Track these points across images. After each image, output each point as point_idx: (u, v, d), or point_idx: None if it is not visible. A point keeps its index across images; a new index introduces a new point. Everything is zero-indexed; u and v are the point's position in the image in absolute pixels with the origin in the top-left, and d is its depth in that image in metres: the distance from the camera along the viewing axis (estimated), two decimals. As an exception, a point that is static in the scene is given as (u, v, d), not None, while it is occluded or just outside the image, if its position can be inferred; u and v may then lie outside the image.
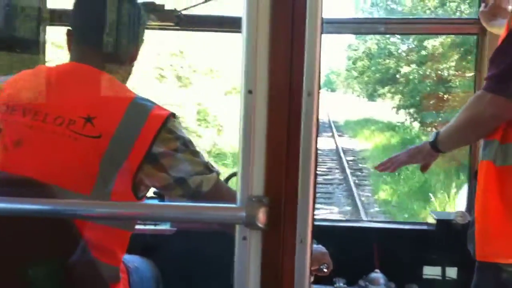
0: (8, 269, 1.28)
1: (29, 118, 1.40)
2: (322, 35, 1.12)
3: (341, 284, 2.38)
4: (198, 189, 1.41)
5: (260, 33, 1.08)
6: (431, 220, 2.46)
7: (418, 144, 2.09)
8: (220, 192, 1.45)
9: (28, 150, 1.38)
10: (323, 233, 2.24)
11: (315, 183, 0.98)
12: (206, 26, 2.11)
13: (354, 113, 29.22)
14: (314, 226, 0.94)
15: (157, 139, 1.39)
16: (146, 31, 2.08)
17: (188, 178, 1.41)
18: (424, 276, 2.43)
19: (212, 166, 1.47)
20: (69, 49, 1.58)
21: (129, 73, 1.65)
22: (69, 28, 1.58)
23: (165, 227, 2.02)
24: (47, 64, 2.01)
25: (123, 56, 1.58)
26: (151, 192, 1.82)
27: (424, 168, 2.10)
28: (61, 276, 1.24)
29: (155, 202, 1.90)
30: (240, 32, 1.21)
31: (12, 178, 1.34)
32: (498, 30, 2.13)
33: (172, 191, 1.44)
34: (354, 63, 31.99)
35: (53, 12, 2.06)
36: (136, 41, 1.62)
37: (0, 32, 2.11)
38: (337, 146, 16.40)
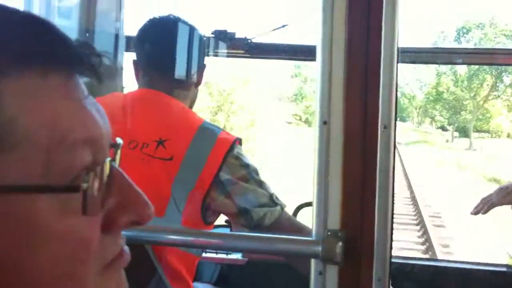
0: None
1: None
2: (398, 64, 1.11)
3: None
4: (260, 221, 1.41)
5: (335, 62, 1.08)
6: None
7: (509, 183, 2.00)
8: (283, 227, 1.43)
9: None
10: (398, 270, 2.17)
11: (393, 218, 0.96)
12: (277, 54, 2.13)
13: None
14: (391, 263, 0.92)
15: (224, 164, 1.40)
16: (218, 58, 2.12)
17: (252, 209, 1.41)
18: None
19: (277, 198, 1.46)
20: (137, 77, 1.63)
21: (195, 97, 1.68)
22: (134, 59, 1.64)
23: (236, 256, 2.03)
24: (124, 90, 2.08)
25: (189, 82, 1.62)
26: (222, 220, 1.83)
27: None
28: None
29: (227, 230, 1.91)
30: (312, 60, 1.21)
31: None
32: None
33: (235, 219, 1.45)
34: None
35: (129, 38, 2.14)
36: (200, 67, 1.66)
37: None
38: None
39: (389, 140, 1.01)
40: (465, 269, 2.12)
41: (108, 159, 0.46)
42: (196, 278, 1.58)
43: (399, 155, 21.62)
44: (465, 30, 42.81)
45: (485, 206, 2.01)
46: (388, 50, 1.07)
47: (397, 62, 1.10)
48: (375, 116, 1.03)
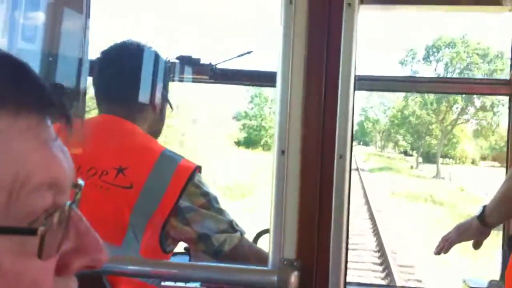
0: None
1: None
2: (355, 92, 1.13)
3: None
4: (220, 247, 1.41)
5: (293, 90, 1.10)
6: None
7: (466, 220, 2.02)
8: (243, 252, 1.44)
9: None
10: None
11: (347, 246, 0.97)
12: (240, 80, 2.15)
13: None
14: (346, 292, 0.93)
15: (184, 192, 1.40)
16: (182, 83, 2.13)
17: (212, 235, 1.41)
18: None
19: (237, 225, 1.47)
20: (97, 103, 1.62)
21: (160, 124, 1.67)
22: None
23: (195, 285, 2.01)
24: (86, 113, 2.06)
25: (148, 107, 1.60)
26: (181, 248, 1.81)
27: (476, 245, 2.02)
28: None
29: (185, 259, 1.89)
30: (274, 86, 1.22)
31: None
32: None
33: (195, 245, 1.44)
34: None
35: (93, 63, 2.13)
36: (162, 92, 1.65)
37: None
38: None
39: (345, 169, 1.03)
40: None
41: (68, 203, 0.46)
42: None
43: (362, 186, 19.78)
44: (434, 49, 41.57)
45: (445, 244, 2.02)
46: (345, 79, 1.10)
47: (354, 91, 1.12)
48: (332, 146, 1.05)
